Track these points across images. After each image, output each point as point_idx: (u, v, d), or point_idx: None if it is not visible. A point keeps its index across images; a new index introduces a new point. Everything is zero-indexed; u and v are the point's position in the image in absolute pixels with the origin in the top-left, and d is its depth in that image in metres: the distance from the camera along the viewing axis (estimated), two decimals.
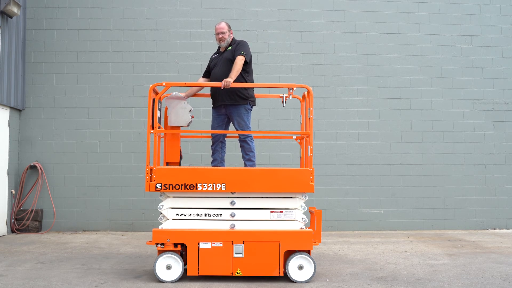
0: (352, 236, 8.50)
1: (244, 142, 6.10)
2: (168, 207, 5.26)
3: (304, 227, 5.29)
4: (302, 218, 5.29)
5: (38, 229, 8.76)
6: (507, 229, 9.34)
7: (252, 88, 6.21)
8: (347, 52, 9.42)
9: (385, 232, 8.98)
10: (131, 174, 8.98)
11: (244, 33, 9.02)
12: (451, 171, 9.35)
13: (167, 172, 5.22)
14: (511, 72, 9.60)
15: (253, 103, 6.22)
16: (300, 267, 5.19)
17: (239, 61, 5.91)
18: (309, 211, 5.67)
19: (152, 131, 5.31)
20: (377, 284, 5.14)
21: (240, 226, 5.25)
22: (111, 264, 6.11)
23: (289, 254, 5.25)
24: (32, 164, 8.88)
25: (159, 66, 9.21)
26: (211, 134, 6.32)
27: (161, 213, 5.30)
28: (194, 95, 6.40)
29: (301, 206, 5.31)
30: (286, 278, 5.27)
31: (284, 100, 5.82)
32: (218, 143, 6.23)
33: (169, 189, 5.18)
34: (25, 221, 8.69)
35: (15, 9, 8.27)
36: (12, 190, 8.69)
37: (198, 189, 5.18)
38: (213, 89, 6.22)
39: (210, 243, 5.15)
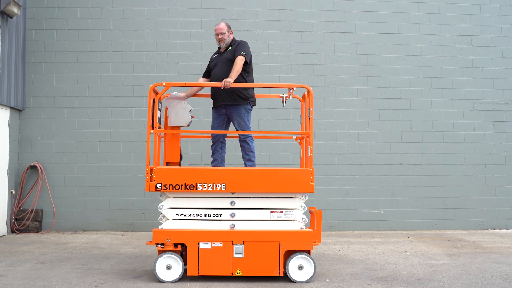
0: (352, 236, 8.50)
1: (244, 142, 6.10)
2: (168, 207, 5.26)
3: (304, 227, 5.29)
4: (302, 218, 5.29)
5: (38, 229, 8.77)
6: (507, 229, 9.34)
7: (252, 88, 6.22)
8: (347, 52, 9.42)
9: (385, 232, 8.98)
10: (131, 174, 8.98)
11: (244, 33, 9.02)
12: (451, 171, 9.35)
13: (167, 172, 5.22)
14: (511, 72, 9.59)
15: (253, 103, 6.22)
16: (300, 267, 5.19)
17: (239, 61, 5.91)
18: (309, 211, 5.67)
19: (152, 131, 5.31)
20: (377, 284, 5.14)
21: (240, 226, 5.25)
22: (111, 264, 6.11)
23: (289, 254, 5.25)
24: (32, 164, 8.88)
25: (159, 66, 9.21)
26: (211, 134, 6.32)
27: (161, 213, 5.30)
28: (194, 95, 6.40)
29: (301, 206, 5.31)
30: (286, 278, 5.27)
31: (284, 100, 5.82)
32: (218, 143, 6.23)
33: (169, 189, 5.18)
34: (25, 221, 8.70)
35: (15, 9, 8.27)
36: (12, 190, 8.69)
37: (198, 189, 5.18)
38: (213, 89, 6.22)
39: (210, 243, 5.15)
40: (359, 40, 9.44)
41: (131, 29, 9.24)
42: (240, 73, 5.95)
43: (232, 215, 5.25)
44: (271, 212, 5.28)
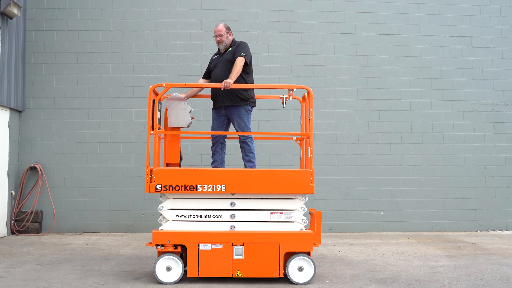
0: (352, 238, 8.50)
1: (244, 143, 6.10)
2: (168, 208, 5.26)
3: (304, 228, 5.29)
4: (302, 219, 5.29)
5: (38, 231, 8.76)
6: (507, 230, 9.34)
7: (252, 89, 6.22)
8: (347, 53, 9.42)
9: (385, 234, 8.97)
10: (131, 175, 8.98)
11: (244, 34, 9.02)
12: (451, 173, 9.35)
13: (167, 173, 5.22)
14: (511, 73, 9.59)
15: (253, 104, 6.22)
16: (300, 269, 5.18)
17: (239, 62, 5.92)
18: (309, 213, 5.67)
19: (152, 132, 5.31)
20: (377, 286, 5.14)
21: (240, 227, 5.24)
22: (111, 265, 6.11)
23: (289, 255, 5.24)
24: (32, 165, 8.88)
25: (159, 67, 9.21)
26: (211, 135, 6.32)
27: (161, 214, 5.30)
28: (194, 96, 6.40)
29: (301, 207, 5.31)
30: (286, 279, 5.26)
31: (284, 101, 5.82)
32: (218, 144, 6.23)
33: (169, 190, 5.18)
34: (25, 222, 8.69)
35: (15, 10, 8.27)
36: (12, 192, 8.68)
37: (198, 190, 5.18)
38: (213, 90, 6.22)
39: (210, 244, 5.14)
40: (359, 41, 9.44)
41: (131, 30, 9.24)
42: (240, 74, 5.95)
43: (232, 216, 5.25)
44: (271, 213, 5.28)
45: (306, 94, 5.62)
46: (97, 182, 8.99)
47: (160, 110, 5.64)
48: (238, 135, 6.10)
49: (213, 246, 5.14)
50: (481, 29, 9.61)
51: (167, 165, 5.83)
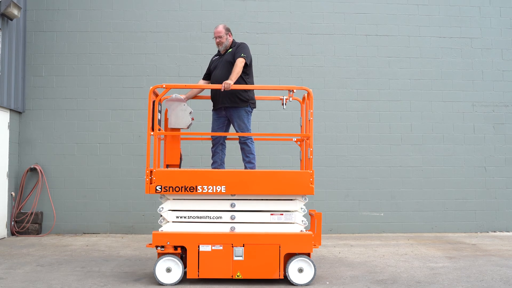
0: (352, 239, 8.49)
1: (244, 144, 6.10)
2: (168, 209, 5.25)
3: (304, 229, 5.29)
4: (302, 220, 5.28)
5: (38, 232, 8.75)
6: (507, 231, 9.33)
7: (253, 90, 6.22)
8: (347, 54, 9.42)
9: (385, 235, 8.97)
10: (131, 176, 8.98)
11: (244, 36, 9.03)
12: (451, 174, 9.34)
13: (167, 174, 5.21)
14: (511, 74, 9.59)
15: (253, 105, 6.23)
16: (300, 270, 5.18)
17: (239, 63, 5.92)
18: (309, 214, 5.66)
19: (152, 133, 5.31)
20: (377, 287, 5.13)
21: (240, 228, 5.24)
22: (111, 267, 6.10)
23: (289, 257, 5.24)
24: (32, 166, 8.88)
25: (159, 68, 9.21)
26: (211, 136, 6.32)
27: (161, 215, 5.30)
28: (195, 97, 6.41)
29: (301, 208, 5.30)
30: (286, 281, 5.26)
31: (284, 102, 5.83)
32: (218, 145, 6.23)
33: (169, 191, 5.18)
34: (25, 223, 8.69)
35: (15, 11, 8.27)
36: (12, 193, 8.68)
37: (198, 191, 5.18)
38: (213, 91, 6.23)
39: (210, 245, 5.14)
40: (359, 42, 9.45)
41: (131, 31, 9.24)
42: (240, 75, 5.95)
43: (232, 217, 5.25)
44: (271, 214, 5.28)
45: (306, 95, 5.62)
46: (97, 183, 8.99)
47: (160, 111, 5.65)
48: (238, 136, 6.10)
49: (213, 247, 5.14)
50: (481, 30, 9.61)
51: (167, 166, 5.83)
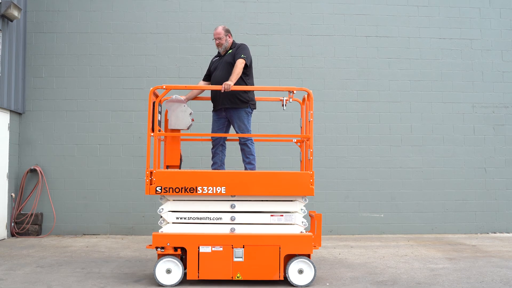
0: (352, 240, 8.49)
1: (245, 145, 6.10)
2: (168, 210, 5.25)
3: (304, 231, 5.29)
4: (302, 222, 5.28)
5: (38, 233, 8.75)
6: (508, 233, 9.33)
7: (253, 91, 6.22)
8: (347, 55, 9.42)
9: (385, 236, 8.96)
10: (131, 177, 8.98)
11: (244, 37, 9.03)
12: (451, 175, 9.34)
13: (167, 175, 5.21)
14: (511, 75, 9.60)
15: (253, 106, 6.23)
16: (300, 271, 5.18)
17: (240, 64, 5.92)
18: (309, 215, 5.66)
19: (152, 134, 5.31)
20: None
21: (240, 230, 5.24)
22: (111, 268, 6.10)
23: (289, 258, 5.24)
24: (32, 167, 8.88)
25: (159, 69, 9.22)
26: (212, 137, 6.32)
27: (161, 216, 5.30)
28: (195, 98, 6.41)
29: (301, 209, 5.30)
30: (286, 282, 5.26)
31: (284, 103, 5.82)
32: (218, 146, 6.23)
33: (169, 192, 5.18)
34: (25, 224, 8.68)
35: (15, 13, 8.28)
36: (12, 194, 8.67)
37: (198, 192, 5.18)
38: (213, 92, 6.23)
39: (210, 247, 5.14)
40: (359, 44, 9.45)
41: (131, 33, 9.25)
42: (240, 76, 5.95)
43: (232, 218, 5.24)
44: (271, 215, 5.28)
45: (306, 96, 5.62)
46: (97, 184, 8.98)
47: (160, 112, 5.65)
48: (238, 137, 6.10)
49: (213, 249, 5.14)
50: (481, 31, 9.62)
51: (167, 167, 5.83)
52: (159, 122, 5.55)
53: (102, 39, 9.23)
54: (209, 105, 6.46)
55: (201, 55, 9.16)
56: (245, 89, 5.95)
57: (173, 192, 5.17)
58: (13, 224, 8.67)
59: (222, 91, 5.68)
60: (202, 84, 6.47)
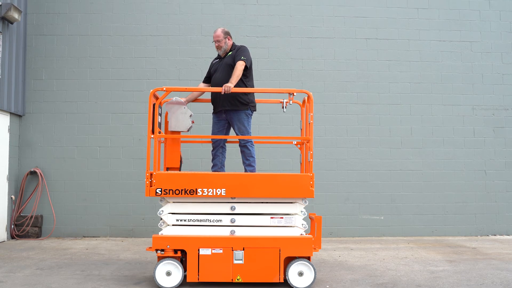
0: (352, 242, 8.48)
1: (245, 147, 6.10)
2: (168, 212, 5.25)
3: (304, 233, 5.28)
4: (302, 224, 5.28)
5: (38, 235, 8.74)
6: (508, 235, 9.32)
7: (253, 93, 6.23)
8: (347, 58, 9.43)
9: (385, 239, 8.96)
10: (131, 180, 8.97)
11: (244, 39, 9.04)
12: (451, 177, 9.34)
13: (167, 177, 5.21)
14: (511, 78, 9.60)
15: (253, 108, 6.23)
16: (300, 274, 5.17)
17: (240, 66, 5.92)
18: (309, 217, 5.66)
19: (152, 136, 5.31)
20: None
21: (240, 232, 5.23)
22: (111, 270, 6.10)
23: (289, 260, 5.24)
24: (32, 169, 8.87)
25: (160, 72, 9.22)
26: (212, 139, 6.33)
27: (161, 218, 5.29)
28: (195, 100, 6.41)
29: (301, 211, 5.30)
30: (286, 284, 5.25)
31: (285, 105, 5.83)
32: (218, 148, 6.23)
33: (169, 194, 5.17)
34: (24, 227, 8.68)
35: (15, 15, 8.29)
36: (12, 196, 8.67)
37: (198, 194, 5.17)
38: (213, 94, 6.23)
39: (210, 249, 5.13)
40: (359, 46, 9.46)
41: (131, 35, 9.25)
42: (240, 78, 5.96)
43: (232, 220, 5.24)
44: (271, 217, 5.27)
45: (306, 98, 5.63)
46: (97, 186, 8.98)
47: (160, 114, 5.65)
48: (238, 139, 6.10)
49: (213, 251, 5.13)
50: (481, 34, 9.63)
51: (167, 169, 5.83)
52: (159, 124, 5.55)
53: (102, 41, 9.24)
54: (209, 107, 6.46)
55: (201, 57, 9.16)
56: (245, 91, 5.95)
57: (173, 194, 5.17)
58: (13, 226, 8.66)
59: (222, 93, 5.68)
60: (202, 86, 6.46)
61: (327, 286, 5.29)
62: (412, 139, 9.36)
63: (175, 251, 5.17)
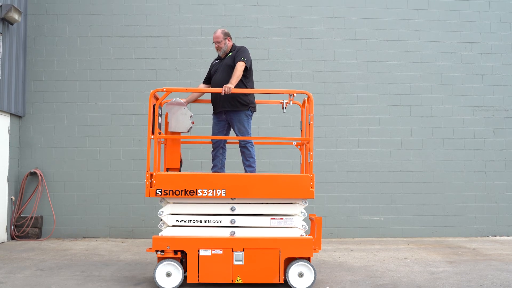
0: (352, 243, 8.48)
1: (245, 148, 6.10)
2: (168, 213, 5.25)
3: (304, 234, 5.28)
4: (302, 225, 5.28)
5: (37, 236, 8.74)
6: (508, 236, 9.32)
7: (253, 94, 6.22)
8: (347, 59, 9.44)
9: (385, 239, 8.95)
10: (131, 181, 8.97)
11: (244, 40, 9.04)
12: (451, 178, 9.34)
13: (167, 177, 5.21)
14: (511, 79, 9.61)
15: (253, 109, 6.23)
16: (300, 275, 5.17)
17: (240, 67, 5.92)
18: (309, 218, 5.66)
19: (152, 136, 5.31)
20: None
21: (240, 233, 5.23)
22: (111, 271, 6.09)
23: (289, 261, 5.23)
24: (32, 170, 8.87)
25: (160, 73, 9.23)
26: (212, 140, 6.33)
27: (161, 219, 5.29)
28: (195, 101, 6.41)
29: (301, 212, 5.30)
30: (286, 285, 5.25)
31: (285, 106, 5.82)
32: (218, 149, 6.23)
33: (169, 194, 5.17)
34: (24, 227, 8.67)
35: (16, 16, 8.29)
36: (12, 197, 8.67)
37: (198, 194, 5.17)
38: (213, 95, 6.23)
39: (210, 250, 5.13)
40: (359, 47, 9.46)
41: (131, 36, 9.26)
42: (240, 79, 5.96)
43: (232, 221, 5.24)
44: (271, 218, 5.27)
45: (306, 99, 5.63)
46: (97, 187, 8.98)
47: (160, 115, 5.65)
48: (239, 140, 6.10)
49: (213, 252, 5.13)
50: (481, 35, 9.63)
51: (167, 169, 5.83)
52: (159, 124, 5.55)
53: (102, 42, 9.24)
54: (209, 108, 6.46)
55: (201, 58, 9.17)
56: (246, 92, 5.95)
57: (173, 194, 5.17)
58: (13, 227, 8.66)
59: (223, 94, 5.68)
60: (202, 87, 6.46)
61: (327, 287, 5.29)
62: (412, 140, 9.37)
63: (175, 252, 5.17)
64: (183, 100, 5.90)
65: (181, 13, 9.34)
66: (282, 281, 5.18)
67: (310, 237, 5.24)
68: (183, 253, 5.21)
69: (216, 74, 6.23)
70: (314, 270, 5.18)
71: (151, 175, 5.21)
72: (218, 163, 6.23)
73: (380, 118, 9.36)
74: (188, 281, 5.14)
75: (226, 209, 5.27)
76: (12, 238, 8.66)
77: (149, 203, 8.81)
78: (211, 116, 6.39)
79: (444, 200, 9.28)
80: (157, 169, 5.33)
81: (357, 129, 9.31)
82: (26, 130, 9.03)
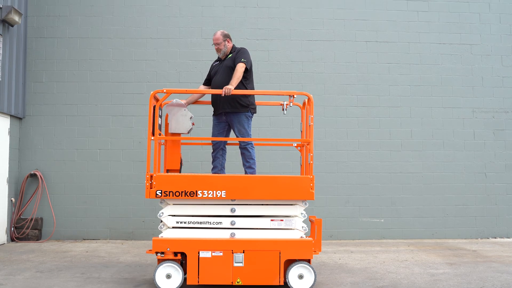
0: (352, 245, 8.48)
1: (245, 150, 6.10)
2: (168, 214, 5.24)
3: (304, 236, 5.28)
4: (303, 226, 5.27)
5: (37, 238, 8.73)
6: (508, 238, 9.31)
7: (253, 95, 6.23)
8: (347, 60, 9.44)
9: (385, 241, 8.95)
10: (131, 182, 8.97)
11: (244, 42, 9.05)
12: (452, 180, 9.34)
13: (167, 179, 5.21)
14: (511, 80, 9.61)
15: (253, 111, 6.23)
16: (300, 276, 5.16)
17: (240, 68, 5.92)
18: (310, 220, 5.65)
19: (152, 137, 5.31)
20: None
21: (240, 234, 5.22)
22: (111, 273, 6.09)
23: (289, 263, 5.23)
24: (32, 172, 8.87)
25: (160, 74, 9.23)
26: (212, 141, 6.33)
27: (161, 221, 5.28)
28: (195, 102, 6.41)
29: (301, 213, 5.29)
30: (286, 287, 5.24)
31: (285, 108, 5.83)
32: (218, 150, 6.23)
33: (169, 196, 5.17)
34: (24, 229, 8.67)
35: (16, 18, 8.30)
36: (12, 199, 8.67)
37: (198, 196, 5.17)
38: (213, 97, 6.23)
39: (210, 252, 5.12)
40: (359, 49, 9.47)
41: (131, 38, 9.27)
42: (241, 81, 5.96)
43: (232, 223, 5.23)
44: (271, 220, 5.27)
45: (306, 100, 5.63)
46: (97, 189, 8.98)
47: (160, 116, 5.65)
48: (239, 141, 6.10)
49: (213, 254, 5.13)
50: (480, 36, 9.64)
51: (167, 171, 5.83)
52: (160, 126, 5.55)
53: (102, 44, 9.25)
54: (210, 109, 6.46)
55: (201, 60, 9.18)
56: (246, 93, 5.95)
57: (173, 196, 5.16)
58: (13, 229, 8.66)
59: (223, 95, 5.69)
60: (202, 88, 6.47)
61: None
62: (412, 141, 9.36)
63: (175, 253, 5.17)
64: (183, 102, 5.91)
65: (181, 15, 9.35)
66: (282, 283, 5.17)
67: (310, 238, 5.24)
68: (183, 254, 5.20)
69: (216, 76, 6.23)
70: (314, 272, 5.18)
71: (151, 176, 5.20)
72: (218, 165, 6.23)
73: (380, 119, 9.36)
74: (188, 283, 5.13)
75: (226, 210, 5.26)
76: (12, 240, 8.65)
77: (149, 205, 8.81)
78: (211, 118, 6.39)
79: (444, 202, 9.28)
80: (157, 170, 5.33)
81: (357, 131, 9.31)
82: (26, 132, 9.03)
